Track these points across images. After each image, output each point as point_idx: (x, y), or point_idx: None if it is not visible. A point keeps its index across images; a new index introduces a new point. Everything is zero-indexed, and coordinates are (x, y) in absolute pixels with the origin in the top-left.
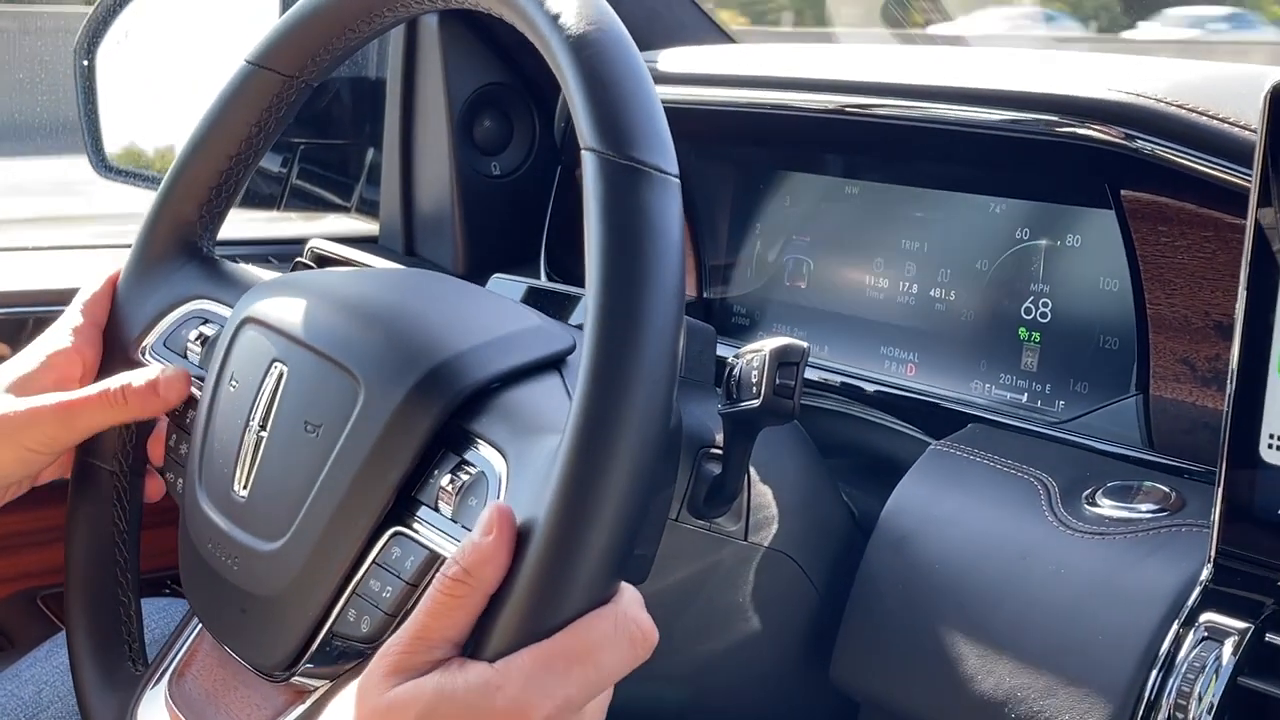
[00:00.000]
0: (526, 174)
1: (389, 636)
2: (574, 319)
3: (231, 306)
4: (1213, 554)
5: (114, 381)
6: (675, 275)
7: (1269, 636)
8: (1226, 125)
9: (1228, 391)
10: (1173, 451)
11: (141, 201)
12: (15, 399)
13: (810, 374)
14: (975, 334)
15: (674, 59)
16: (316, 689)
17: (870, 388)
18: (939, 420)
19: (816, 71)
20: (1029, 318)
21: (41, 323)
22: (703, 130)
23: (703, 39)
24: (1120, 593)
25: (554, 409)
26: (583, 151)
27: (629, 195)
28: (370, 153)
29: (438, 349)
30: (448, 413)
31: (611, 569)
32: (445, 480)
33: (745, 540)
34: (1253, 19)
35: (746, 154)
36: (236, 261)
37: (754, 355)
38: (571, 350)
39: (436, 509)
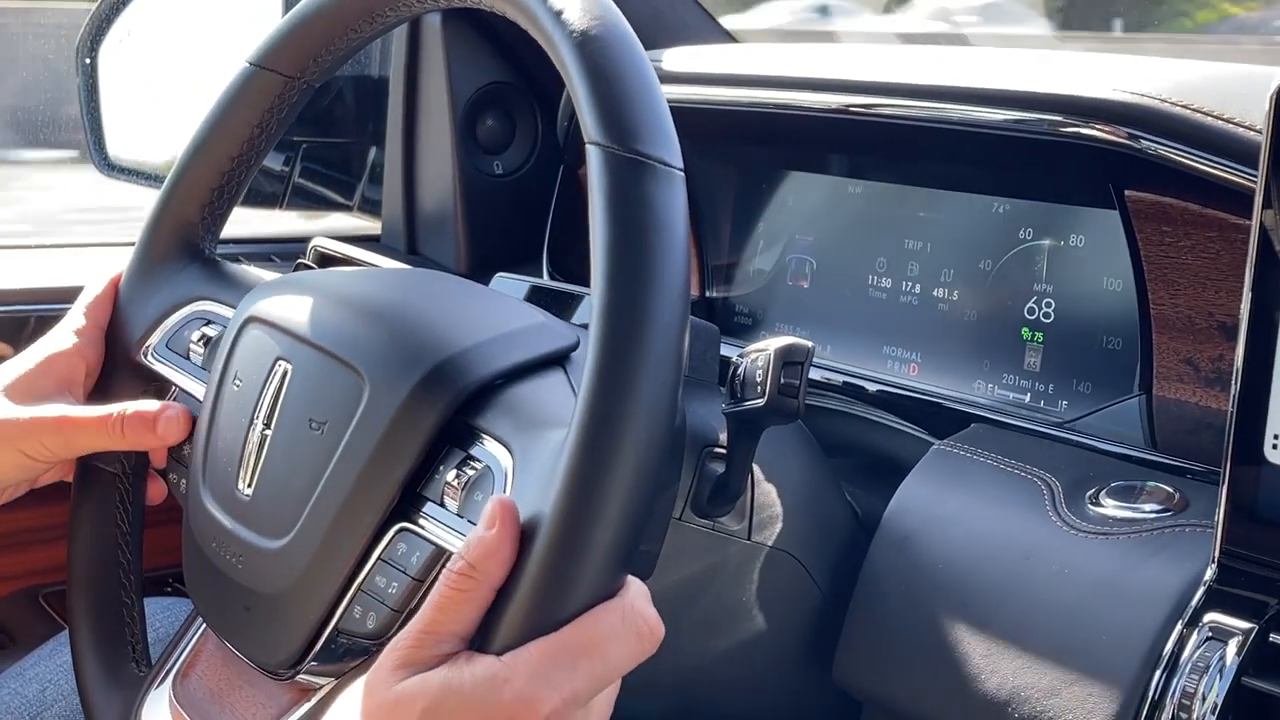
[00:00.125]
0: (529, 173)
1: (395, 632)
2: (577, 318)
3: (234, 307)
4: (1217, 554)
5: (116, 408)
6: (681, 269)
7: (1273, 636)
8: (1231, 125)
9: (1232, 392)
10: (1176, 452)
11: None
12: (17, 406)
13: (813, 373)
14: (978, 334)
15: (677, 58)
16: (322, 687)
17: (873, 387)
18: (942, 420)
19: (820, 71)
20: (1032, 318)
21: (43, 321)
22: (706, 130)
23: (706, 38)
24: (1124, 593)
25: (559, 404)
26: (587, 145)
27: (634, 189)
28: (373, 151)
29: (442, 345)
30: (452, 409)
31: (618, 563)
32: (451, 476)
33: (748, 539)
34: (1014, 9)
35: (750, 153)
36: (239, 260)
37: (759, 355)
38: (575, 347)
39: (442, 505)
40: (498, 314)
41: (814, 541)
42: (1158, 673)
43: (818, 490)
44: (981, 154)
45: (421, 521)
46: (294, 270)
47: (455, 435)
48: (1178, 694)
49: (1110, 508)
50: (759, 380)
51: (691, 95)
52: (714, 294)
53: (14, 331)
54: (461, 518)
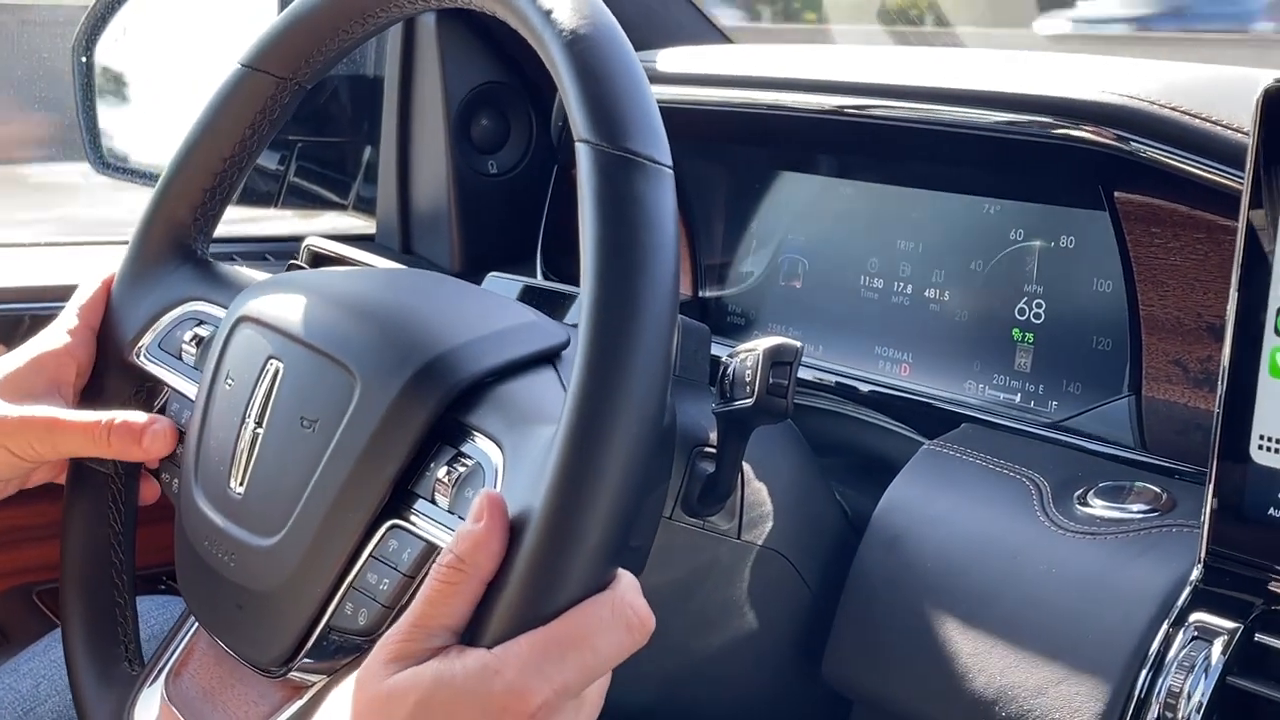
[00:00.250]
0: (523, 173)
1: (387, 629)
2: (569, 318)
3: (226, 307)
4: (1203, 554)
5: (105, 416)
6: (670, 265)
7: (1258, 636)
8: (1219, 128)
9: (1218, 392)
10: (1165, 452)
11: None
12: (6, 405)
13: (805, 373)
14: (969, 334)
15: (671, 59)
16: (314, 684)
17: (865, 387)
18: (933, 420)
19: (813, 72)
20: (1023, 318)
21: (38, 320)
22: (699, 130)
23: (700, 39)
24: (1111, 592)
25: (549, 401)
26: (577, 143)
27: (623, 186)
28: (367, 151)
29: (433, 344)
30: (443, 406)
31: (608, 556)
32: (442, 472)
33: (738, 538)
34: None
35: (742, 154)
36: (234, 259)
37: (748, 355)
38: (566, 345)
39: (433, 501)
40: (488, 312)
41: (804, 541)
42: (1144, 672)
43: (807, 489)
44: (972, 155)
45: (413, 518)
46: (285, 271)
47: (446, 432)
48: (1163, 693)
49: (1098, 508)
50: (748, 380)
51: (685, 96)
52: (707, 294)
53: (8, 330)
54: (452, 514)
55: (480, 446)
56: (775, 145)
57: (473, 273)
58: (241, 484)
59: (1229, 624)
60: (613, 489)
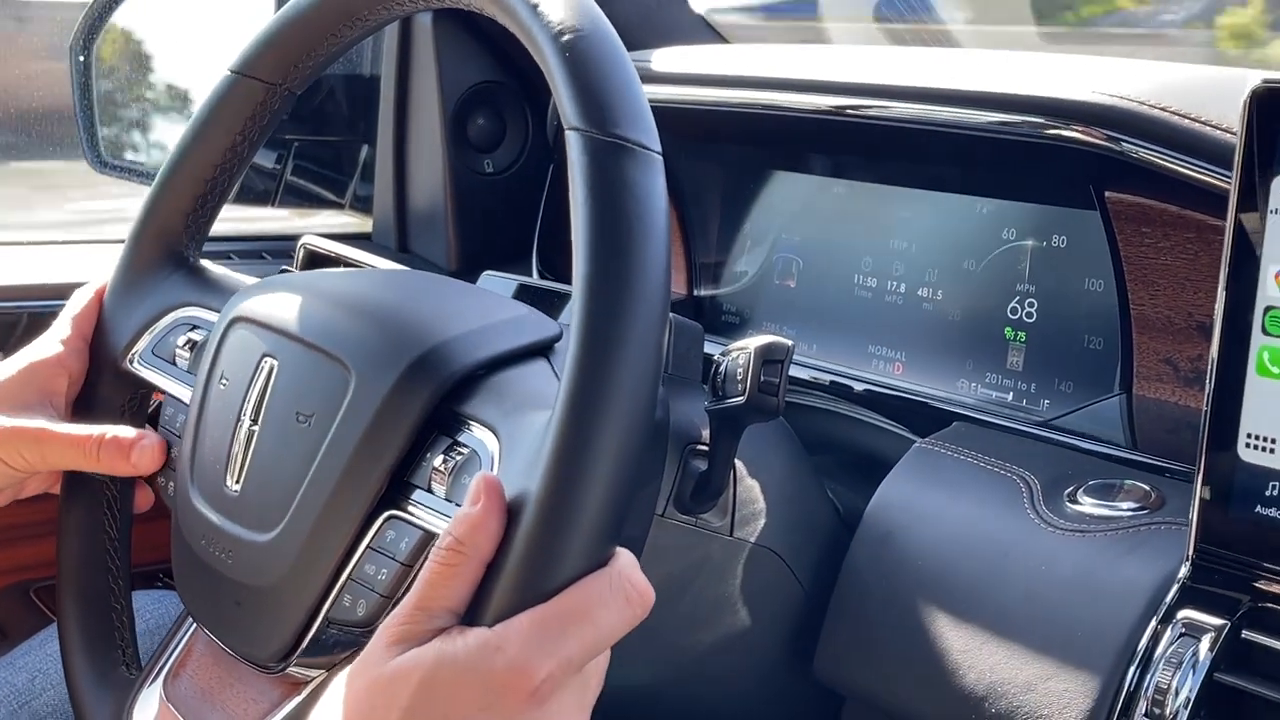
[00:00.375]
0: (519, 172)
1: (385, 618)
2: (563, 317)
3: (219, 312)
4: (1191, 552)
5: (96, 430)
6: (661, 247)
7: (1245, 633)
8: (1208, 128)
9: (1206, 391)
10: (1155, 451)
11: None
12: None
13: (799, 372)
14: (962, 333)
15: (667, 59)
16: (312, 679)
17: (858, 386)
18: (925, 418)
19: (807, 72)
20: (1015, 317)
21: (35, 319)
22: (695, 129)
23: (696, 39)
24: (1100, 589)
25: (544, 389)
26: (566, 131)
27: (613, 170)
28: (364, 149)
29: (427, 336)
30: (438, 397)
31: (606, 532)
32: (438, 461)
33: (731, 536)
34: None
35: (737, 153)
36: (230, 257)
37: (739, 353)
38: (559, 338)
39: (430, 490)
40: (482, 307)
41: (796, 538)
42: (1132, 668)
43: (800, 487)
44: (965, 155)
45: (410, 508)
46: (278, 274)
47: (442, 423)
48: (1151, 689)
49: (1088, 505)
50: (739, 378)
51: (680, 95)
52: (702, 293)
53: (6, 329)
54: (449, 501)
55: (476, 435)
56: (770, 145)
57: (469, 271)
58: (238, 482)
59: (1216, 621)
60: (610, 462)
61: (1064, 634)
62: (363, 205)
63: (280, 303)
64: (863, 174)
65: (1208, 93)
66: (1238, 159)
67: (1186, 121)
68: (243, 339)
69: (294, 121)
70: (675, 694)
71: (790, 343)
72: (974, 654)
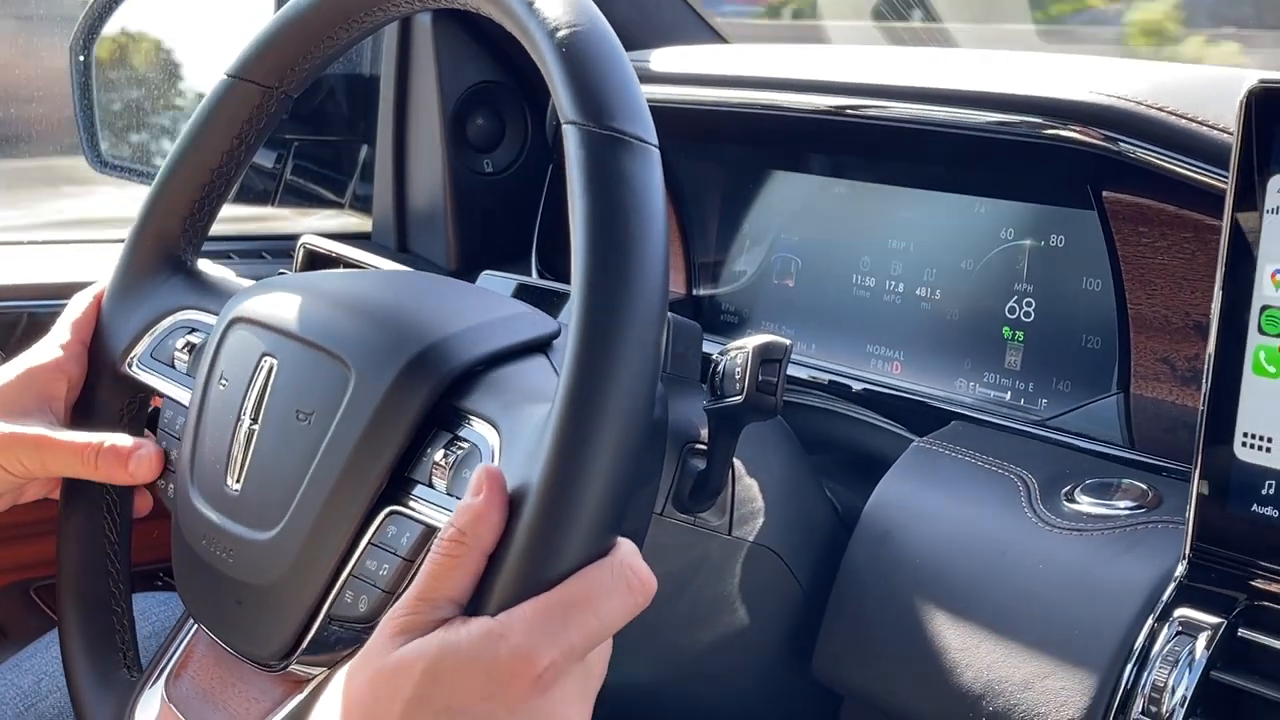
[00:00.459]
0: (518, 172)
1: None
2: (562, 316)
3: (217, 314)
4: (1187, 550)
5: (95, 438)
6: (660, 236)
7: (1241, 631)
8: (1205, 128)
9: (1203, 390)
10: (1153, 449)
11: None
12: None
13: (798, 371)
14: (960, 333)
15: (666, 59)
16: (314, 677)
17: (857, 385)
18: (924, 418)
19: (806, 72)
20: (1013, 317)
21: (35, 318)
22: (694, 129)
23: (695, 39)
24: (1097, 588)
25: (543, 384)
26: (564, 126)
27: (611, 163)
28: (364, 149)
29: (426, 333)
30: (438, 393)
31: (607, 522)
32: (439, 456)
33: (729, 535)
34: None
35: (736, 153)
36: (230, 257)
37: (738, 352)
38: (557, 335)
39: (430, 485)
40: (481, 304)
41: (794, 537)
42: (1129, 666)
43: (798, 486)
44: (963, 155)
45: (411, 503)
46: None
47: (442, 418)
48: (1148, 687)
49: (1085, 504)
50: (738, 377)
51: (679, 95)
52: (700, 292)
53: (6, 328)
54: (450, 496)
55: (476, 429)
56: (769, 145)
57: (468, 271)
58: (238, 481)
59: (1213, 619)
60: (611, 452)
61: (1061, 632)
62: (362, 205)
63: (279, 303)
64: (861, 174)
65: (1205, 93)
66: (1234, 159)
67: (1184, 121)
68: (242, 339)
69: (294, 121)
70: (673, 693)
71: (788, 342)
72: (971, 652)
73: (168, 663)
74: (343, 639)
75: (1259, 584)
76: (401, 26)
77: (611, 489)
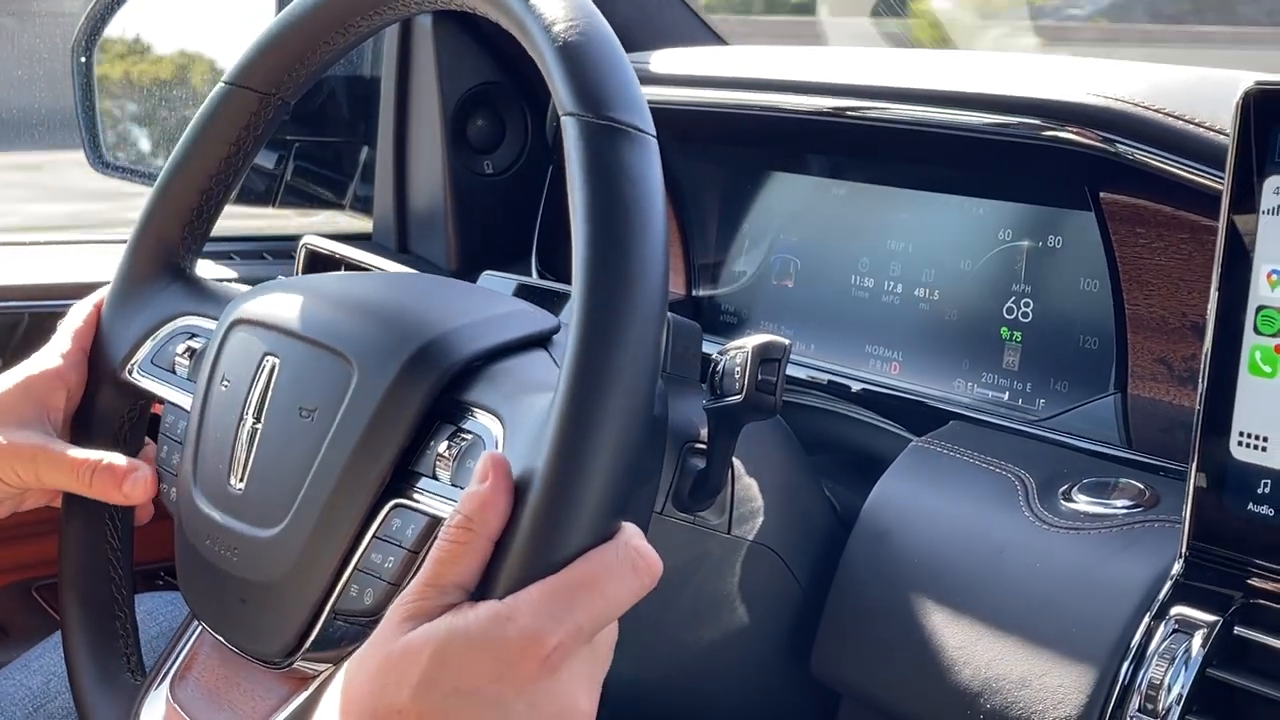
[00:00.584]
0: (518, 173)
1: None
2: (563, 315)
3: (217, 319)
4: (1184, 549)
5: (93, 455)
6: (659, 225)
7: (1238, 629)
8: (1202, 129)
9: (1199, 390)
10: (1150, 449)
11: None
12: None
13: (797, 372)
14: (958, 333)
15: (665, 60)
16: (320, 673)
17: (855, 385)
18: (922, 418)
19: (805, 74)
20: (1011, 317)
21: (36, 318)
22: (693, 131)
23: (694, 40)
24: (1094, 586)
25: (544, 376)
26: (562, 118)
27: (609, 153)
28: (364, 151)
29: (428, 329)
30: (440, 387)
31: (612, 504)
32: (443, 447)
33: (728, 534)
34: None
35: (736, 154)
36: (231, 258)
37: (737, 352)
38: (557, 330)
39: (434, 477)
40: (482, 301)
41: (793, 536)
42: (1126, 664)
43: (797, 485)
44: (962, 156)
45: (415, 495)
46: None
47: (445, 411)
48: (1144, 684)
49: (1082, 503)
50: (737, 376)
51: (679, 96)
52: (700, 293)
53: (6, 329)
54: (455, 486)
55: (480, 421)
56: (768, 146)
57: (469, 272)
58: (241, 480)
59: (1209, 617)
60: (616, 438)
61: (1058, 630)
62: (363, 206)
63: (279, 303)
64: (860, 175)
65: (1201, 94)
66: (1231, 160)
67: (1180, 123)
68: (243, 340)
69: (294, 123)
70: (672, 690)
71: (788, 341)
72: (969, 650)
73: (172, 664)
74: (348, 634)
75: (1255, 582)
76: (402, 28)
77: (615, 472)
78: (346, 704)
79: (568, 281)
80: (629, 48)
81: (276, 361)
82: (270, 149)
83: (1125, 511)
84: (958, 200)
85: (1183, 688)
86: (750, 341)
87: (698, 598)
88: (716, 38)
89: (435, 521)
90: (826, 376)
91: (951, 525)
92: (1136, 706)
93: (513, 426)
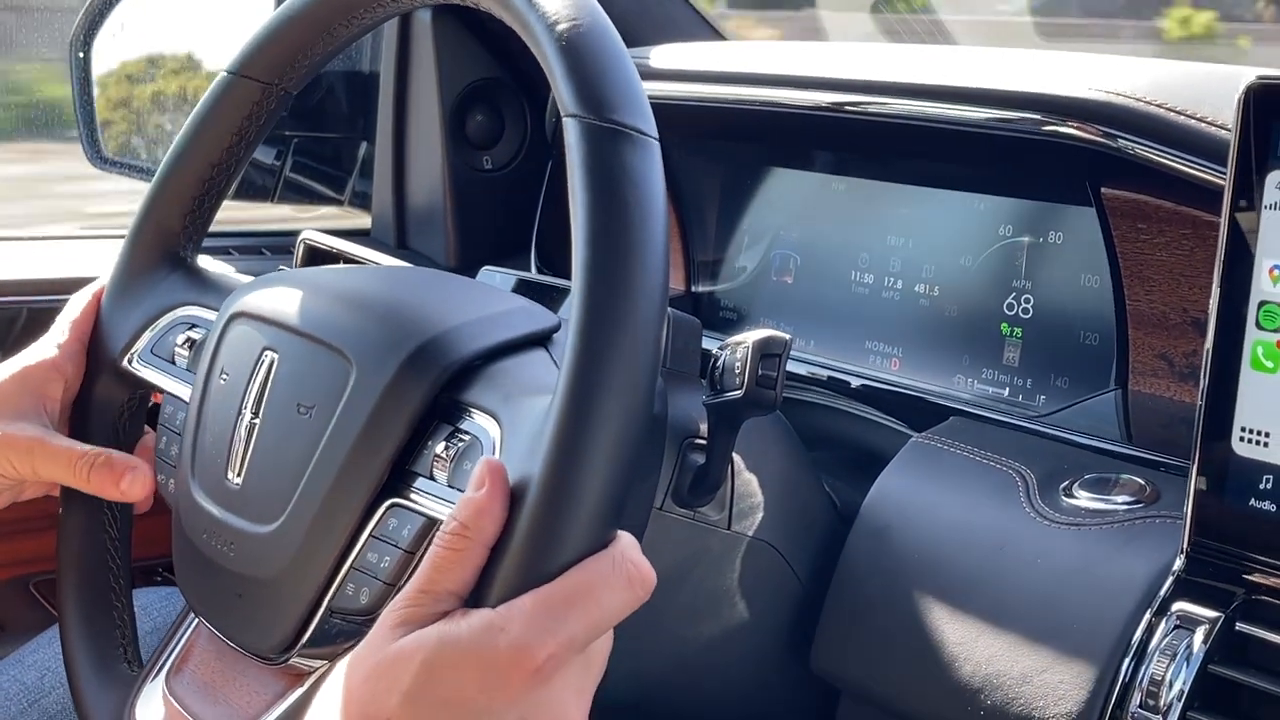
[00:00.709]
0: (518, 168)
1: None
2: (562, 311)
3: (217, 310)
4: (1185, 545)
5: (91, 451)
6: (660, 228)
7: (1239, 625)
8: (1203, 124)
9: (1201, 385)
10: (1150, 445)
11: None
12: None
13: (797, 368)
14: (959, 329)
15: (665, 55)
16: (315, 670)
17: (856, 381)
18: (922, 413)
19: (806, 69)
20: (1011, 313)
21: (35, 313)
22: (693, 126)
23: (694, 36)
24: (1095, 582)
25: (543, 376)
26: (564, 119)
27: (611, 155)
28: (363, 146)
29: (427, 327)
30: (438, 386)
31: (607, 514)
32: (440, 448)
33: (728, 529)
34: None
35: (736, 150)
36: (230, 253)
37: (737, 347)
38: (557, 329)
39: (432, 477)
40: (481, 299)
41: (793, 531)
42: (1127, 660)
43: (797, 481)
44: (963, 152)
45: (412, 496)
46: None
47: (443, 411)
48: (1146, 681)
49: (1083, 499)
50: (737, 372)
51: (679, 92)
52: (700, 289)
53: (5, 324)
54: (452, 488)
55: (478, 422)
56: (768, 141)
57: (468, 267)
58: (239, 474)
59: (1210, 613)
60: (611, 443)
61: (1059, 626)
62: (362, 201)
63: (279, 297)
64: (860, 170)
65: (1203, 89)
66: (1232, 155)
67: (1182, 118)
68: (243, 334)
69: (293, 118)
70: (672, 686)
71: (788, 337)
72: (970, 647)
73: (169, 657)
74: (344, 631)
75: (1256, 578)
76: (401, 23)
77: (611, 482)
78: (338, 707)
79: (567, 276)
80: (628, 42)
81: (275, 356)
82: (269, 144)
83: (1126, 507)
84: (958, 196)
85: (1184, 684)
86: (751, 337)
87: (697, 593)
88: (716, 33)
89: (431, 523)
90: (826, 372)
91: (952, 521)
92: (1138, 703)
93: (510, 429)
